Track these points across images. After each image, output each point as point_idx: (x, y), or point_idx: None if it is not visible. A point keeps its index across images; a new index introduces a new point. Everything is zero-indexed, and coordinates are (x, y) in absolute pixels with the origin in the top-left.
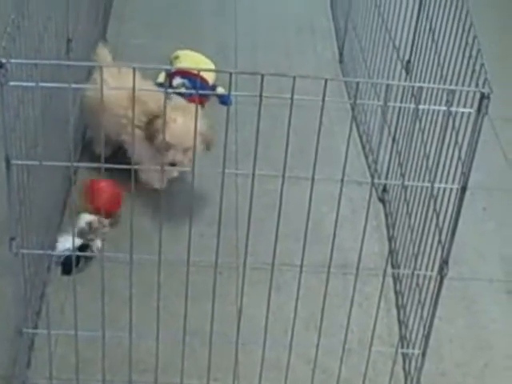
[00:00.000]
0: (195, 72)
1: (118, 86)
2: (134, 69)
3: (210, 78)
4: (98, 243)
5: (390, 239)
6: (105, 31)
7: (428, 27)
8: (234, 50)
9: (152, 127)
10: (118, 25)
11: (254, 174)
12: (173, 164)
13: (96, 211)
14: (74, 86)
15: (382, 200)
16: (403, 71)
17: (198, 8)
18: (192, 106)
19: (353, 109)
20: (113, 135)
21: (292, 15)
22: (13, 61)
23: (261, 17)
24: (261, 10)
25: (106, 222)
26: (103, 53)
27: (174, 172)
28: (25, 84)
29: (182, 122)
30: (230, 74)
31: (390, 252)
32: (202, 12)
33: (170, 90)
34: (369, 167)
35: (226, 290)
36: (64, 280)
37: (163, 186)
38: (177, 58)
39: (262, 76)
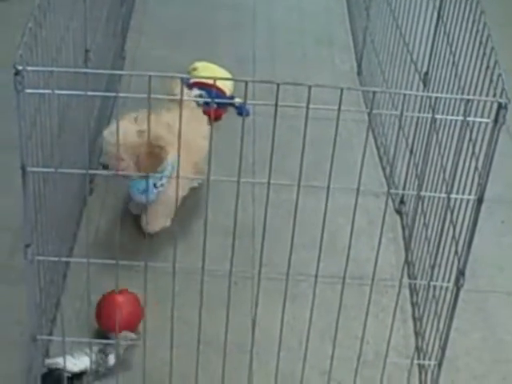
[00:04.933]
0: (213, 84)
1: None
2: (149, 77)
3: (227, 89)
4: (111, 359)
5: (406, 250)
6: (124, 43)
7: (446, 40)
8: (252, 62)
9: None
10: (137, 37)
11: (269, 183)
12: None
13: (108, 330)
14: (89, 93)
15: (399, 212)
16: (421, 83)
17: (217, 20)
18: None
19: (369, 118)
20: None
21: (310, 28)
22: (29, 68)
23: (279, 29)
24: (279, 22)
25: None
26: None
27: (194, 182)
28: (41, 91)
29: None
30: (246, 82)
31: (407, 263)
32: (221, 24)
33: (186, 98)
34: (386, 179)
35: (241, 299)
36: (79, 288)
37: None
38: (195, 69)
39: (278, 85)
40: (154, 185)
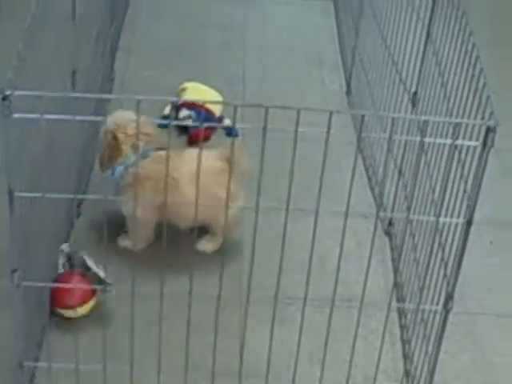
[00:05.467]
0: (202, 104)
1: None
2: (138, 101)
3: (216, 109)
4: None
5: (395, 273)
6: (113, 63)
7: (435, 60)
8: (242, 82)
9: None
10: (127, 57)
11: (257, 207)
12: None
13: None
14: (78, 118)
15: (387, 233)
16: (410, 103)
17: (206, 40)
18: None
19: (358, 141)
20: None
21: (300, 47)
22: (17, 93)
23: (269, 48)
24: (269, 42)
25: None
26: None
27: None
28: (29, 116)
29: None
30: (235, 106)
31: (396, 286)
32: (211, 44)
33: (175, 122)
34: (375, 200)
35: (230, 322)
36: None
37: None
38: (184, 90)
39: (267, 108)
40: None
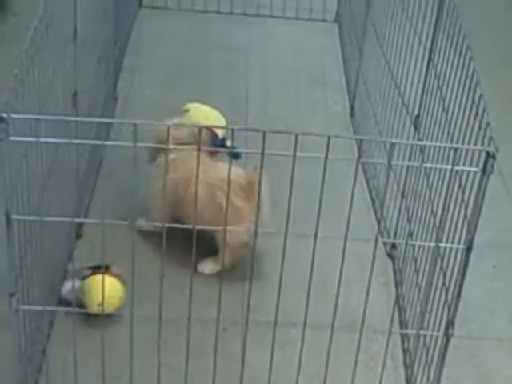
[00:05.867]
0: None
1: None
2: (134, 125)
3: (219, 131)
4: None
5: (397, 297)
6: (116, 83)
7: (436, 84)
8: (244, 103)
9: None
10: (130, 77)
11: (256, 231)
12: None
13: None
14: (75, 141)
15: (390, 256)
16: (412, 126)
17: (210, 60)
18: None
19: (357, 165)
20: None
21: (304, 68)
22: (14, 116)
23: (272, 69)
24: (272, 62)
25: None
26: None
27: None
28: (26, 139)
29: None
30: (232, 130)
31: (398, 309)
32: (214, 64)
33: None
34: (378, 222)
35: (230, 346)
36: (65, 336)
37: None
38: (187, 110)
39: (264, 133)
40: None
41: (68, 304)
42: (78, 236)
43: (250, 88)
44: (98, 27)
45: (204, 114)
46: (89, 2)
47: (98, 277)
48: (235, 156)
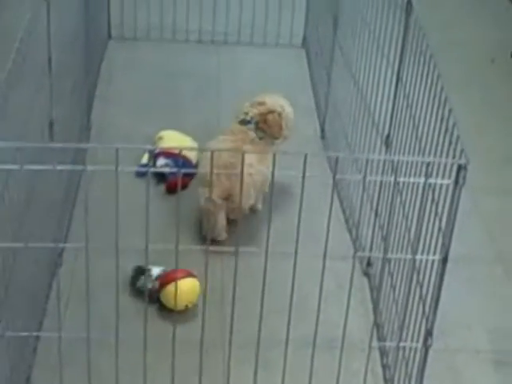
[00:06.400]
0: (179, 152)
1: None
2: (117, 150)
3: (193, 157)
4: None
5: (375, 312)
6: (90, 112)
7: (406, 102)
8: (217, 129)
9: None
10: (103, 106)
11: (237, 251)
12: None
13: None
14: (58, 167)
15: (366, 274)
16: (383, 145)
17: (182, 88)
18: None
19: (333, 183)
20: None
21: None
22: None
23: (243, 96)
24: (243, 89)
25: None
26: None
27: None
28: (9, 167)
29: None
30: (212, 152)
31: (376, 325)
32: (185, 92)
33: (153, 170)
34: (353, 241)
35: (213, 368)
36: (50, 363)
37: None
38: (161, 138)
39: (243, 153)
40: None
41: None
42: (58, 265)
43: (221, 114)
44: (70, 58)
45: (178, 141)
46: (61, 34)
47: (187, 280)
48: None
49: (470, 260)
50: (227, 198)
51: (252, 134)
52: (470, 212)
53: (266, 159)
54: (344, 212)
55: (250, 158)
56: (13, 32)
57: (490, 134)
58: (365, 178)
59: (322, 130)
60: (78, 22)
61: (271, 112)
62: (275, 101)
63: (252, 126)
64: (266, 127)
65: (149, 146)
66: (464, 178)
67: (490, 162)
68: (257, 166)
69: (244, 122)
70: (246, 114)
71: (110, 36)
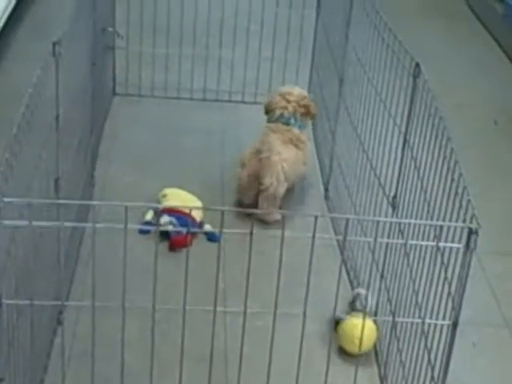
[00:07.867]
0: (182, 210)
1: None
2: (125, 208)
3: (197, 215)
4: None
5: (381, 378)
6: (93, 170)
7: (413, 164)
8: (221, 187)
9: None
10: (107, 164)
11: (245, 313)
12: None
13: None
14: (66, 224)
15: None
16: (389, 207)
17: (186, 145)
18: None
19: (340, 245)
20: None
21: None
22: (6, 199)
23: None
24: (246, 146)
25: None
26: None
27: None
28: (18, 223)
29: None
30: (222, 212)
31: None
32: (189, 149)
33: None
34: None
35: None
36: None
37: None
38: (164, 196)
39: (251, 214)
40: None
41: None
42: (59, 323)
43: (225, 172)
44: (76, 114)
45: (181, 199)
46: (68, 90)
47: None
48: (213, 239)
49: (476, 324)
50: (256, 178)
51: (295, 131)
52: (475, 275)
53: (302, 156)
54: (348, 274)
55: (286, 153)
56: (22, 87)
57: (493, 196)
58: (375, 240)
59: (326, 191)
60: (85, 78)
61: (304, 97)
62: (293, 88)
63: (295, 123)
64: (306, 113)
65: (155, 205)
66: (475, 241)
67: (493, 224)
68: (291, 164)
69: (287, 122)
70: (282, 113)
71: (114, 92)
